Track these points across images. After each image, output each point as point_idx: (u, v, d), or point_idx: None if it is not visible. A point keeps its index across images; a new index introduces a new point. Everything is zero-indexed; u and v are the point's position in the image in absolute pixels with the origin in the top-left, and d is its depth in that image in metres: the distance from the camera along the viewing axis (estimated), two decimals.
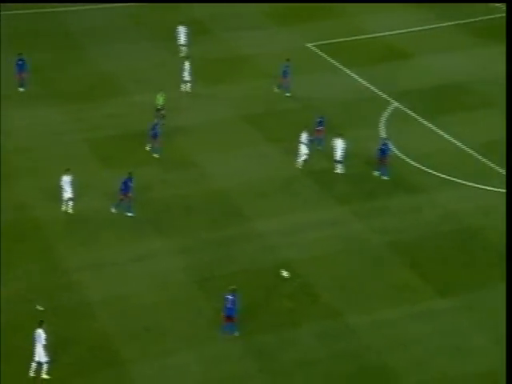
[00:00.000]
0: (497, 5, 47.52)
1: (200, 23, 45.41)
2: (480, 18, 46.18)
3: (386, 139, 32.16)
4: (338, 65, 40.98)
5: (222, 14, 46.94)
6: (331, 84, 38.87)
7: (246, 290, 24.60)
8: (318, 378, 22.28)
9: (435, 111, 36.30)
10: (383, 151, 31.06)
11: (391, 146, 31.60)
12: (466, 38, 43.90)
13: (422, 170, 31.90)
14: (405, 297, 25.21)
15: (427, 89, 38.41)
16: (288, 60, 37.26)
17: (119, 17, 46.66)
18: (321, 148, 32.56)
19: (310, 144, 31.72)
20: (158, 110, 34.43)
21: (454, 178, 31.34)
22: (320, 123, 32.83)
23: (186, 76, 37.52)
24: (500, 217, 28.92)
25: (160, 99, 34.63)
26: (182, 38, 40.97)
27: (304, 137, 31.56)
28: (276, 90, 37.43)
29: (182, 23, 41.13)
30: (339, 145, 31.25)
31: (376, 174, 31.15)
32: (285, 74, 37.05)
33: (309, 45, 43.15)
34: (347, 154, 31.44)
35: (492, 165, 32.35)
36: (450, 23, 45.59)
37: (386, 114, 36.23)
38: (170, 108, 34.93)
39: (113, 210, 28.76)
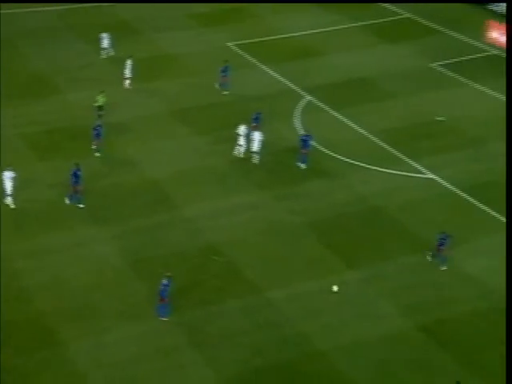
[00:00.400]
0: (385, 5, 48.74)
1: (127, 24, 44.93)
2: (382, 20, 47.36)
3: (307, 131, 32.65)
4: (256, 62, 41.31)
5: (148, 16, 46.51)
6: (251, 80, 39.18)
7: (176, 270, 24.77)
8: (243, 347, 22.69)
9: (344, 103, 37.11)
10: (305, 142, 31.59)
11: (311, 138, 32.08)
12: (370, 37, 44.92)
13: (334, 156, 32.64)
14: (319, 271, 25.88)
15: (337, 83, 39.21)
16: (226, 61, 37.37)
17: (49, 18, 45.57)
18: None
19: (247, 136, 31.80)
20: (98, 110, 33.80)
21: (362, 163, 32.24)
22: (256, 119, 33.01)
23: (128, 73, 37.07)
24: (401, 197, 30.01)
25: (100, 100, 34.01)
26: (106, 43, 40.43)
27: (242, 129, 31.72)
28: (217, 86, 37.41)
29: (104, 30, 40.56)
30: (256, 137, 31.59)
31: (301, 165, 31.37)
32: (224, 73, 37.13)
33: (229, 44, 43.28)
34: (266, 143, 31.84)
35: (394, 151, 33.43)
36: (356, 24, 46.53)
37: (300, 107, 36.81)
38: (104, 104, 34.43)
39: (67, 202, 28.34)
